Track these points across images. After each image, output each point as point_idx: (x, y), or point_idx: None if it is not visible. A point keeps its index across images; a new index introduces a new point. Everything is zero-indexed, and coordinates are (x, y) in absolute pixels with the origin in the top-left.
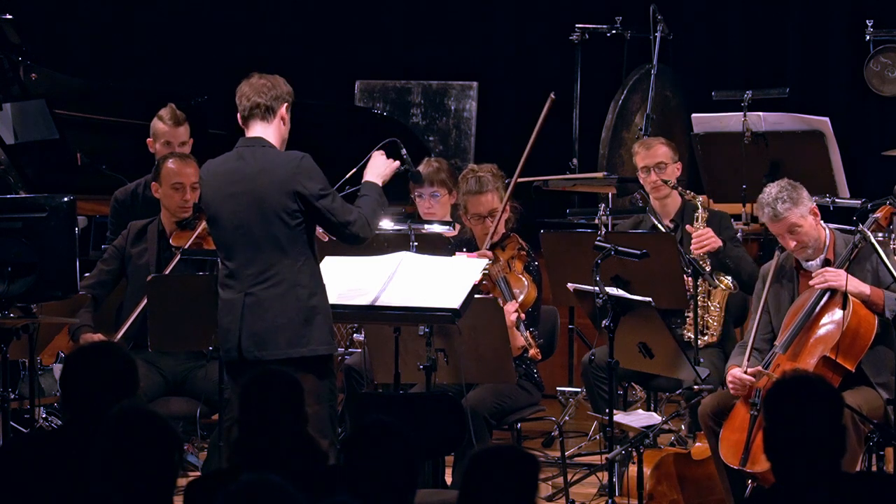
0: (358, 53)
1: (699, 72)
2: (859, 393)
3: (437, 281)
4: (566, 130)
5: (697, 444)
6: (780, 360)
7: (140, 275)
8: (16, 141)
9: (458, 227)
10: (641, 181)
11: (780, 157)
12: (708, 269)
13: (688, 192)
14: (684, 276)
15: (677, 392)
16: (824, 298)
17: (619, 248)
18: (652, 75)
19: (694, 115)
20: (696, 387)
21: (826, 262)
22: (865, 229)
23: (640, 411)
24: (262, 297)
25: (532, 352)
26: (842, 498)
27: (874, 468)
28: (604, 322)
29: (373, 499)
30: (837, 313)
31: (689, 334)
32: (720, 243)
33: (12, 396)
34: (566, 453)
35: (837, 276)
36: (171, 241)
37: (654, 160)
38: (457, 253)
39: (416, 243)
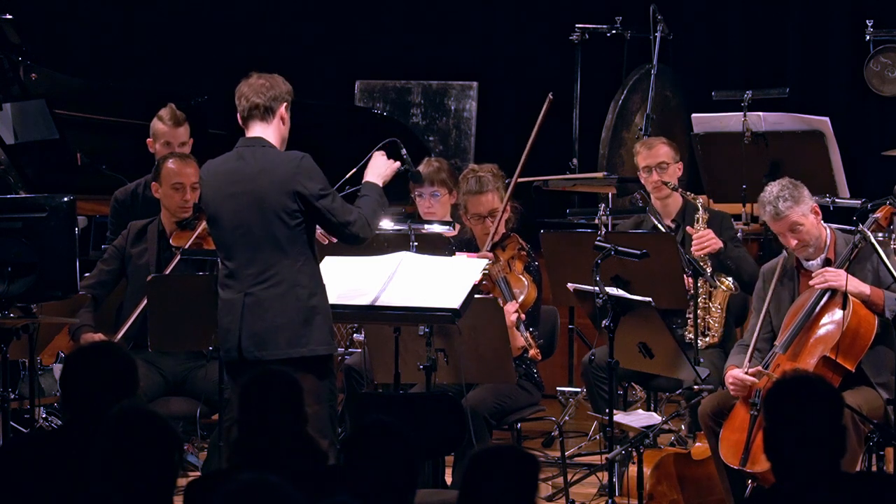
0: (358, 53)
1: (699, 72)
2: (859, 393)
3: (437, 281)
4: (566, 130)
5: (697, 444)
6: (780, 360)
7: (140, 275)
8: (16, 141)
9: (458, 227)
10: (643, 181)
11: (780, 157)
12: (709, 270)
13: (689, 193)
14: (684, 276)
15: (677, 392)
16: (824, 298)
17: (619, 248)
18: (652, 75)
19: (694, 115)
20: (696, 387)
21: (827, 262)
22: (865, 229)
23: (640, 411)
24: (262, 297)
25: (532, 352)
26: (842, 498)
27: (874, 468)
28: (604, 322)
29: (373, 499)
30: (837, 313)
31: (690, 335)
32: (721, 245)
33: (12, 396)
34: (566, 453)
35: (837, 276)
36: (171, 241)
37: (656, 160)
38: (457, 253)
39: (416, 243)
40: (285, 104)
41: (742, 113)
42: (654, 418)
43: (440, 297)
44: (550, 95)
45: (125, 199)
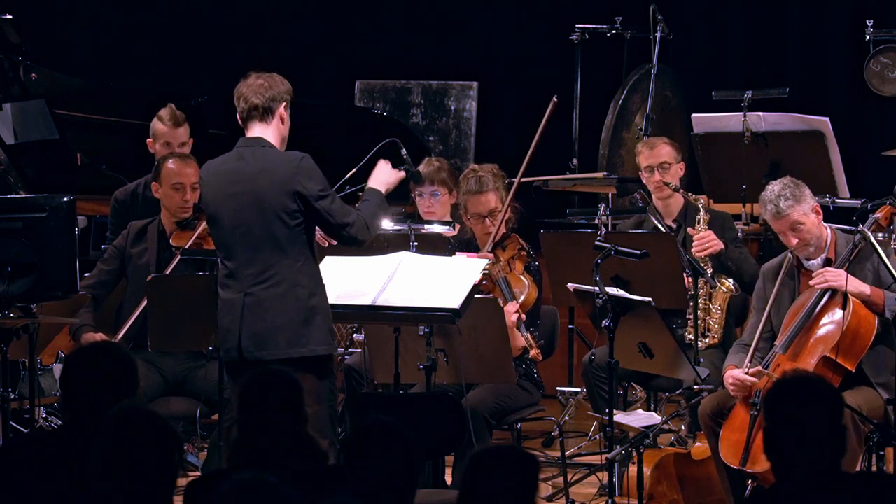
0: (358, 53)
1: (699, 72)
2: (859, 393)
3: (437, 281)
4: (566, 130)
5: (697, 444)
6: (780, 360)
7: (140, 275)
8: (16, 141)
9: (457, 227)
10: (644, 181)
11: (780, 157)
12: (709, 271)
13: (690, 194)
14: (684, 276)
15: (677, 392)
16: (824, 298)
17: (619, 248)
18: (652, 75)
19: (694, 115)
20: (696, 387)
21: (827, 262)
22: (866, 229)
23: (640, 411)
24: (262, 298)
25: (533, 353)
26: (842, 498)
27: (874, 468)
28: (604, 322)
29: (373, 499)
30: (838, 313)
31: (690, 336)
32: (721, 246)
33: (12, 396)
34: (566, 453)
35: (837, 276)
36: (171, 241)
37: (658, 160)
38: (457, 253)
39: (416, 243)
40: (284, 104)
41: (742, 113)
42: (654, 418)
43: (440, 297)
44: (555, 98)
45: (125, 199)
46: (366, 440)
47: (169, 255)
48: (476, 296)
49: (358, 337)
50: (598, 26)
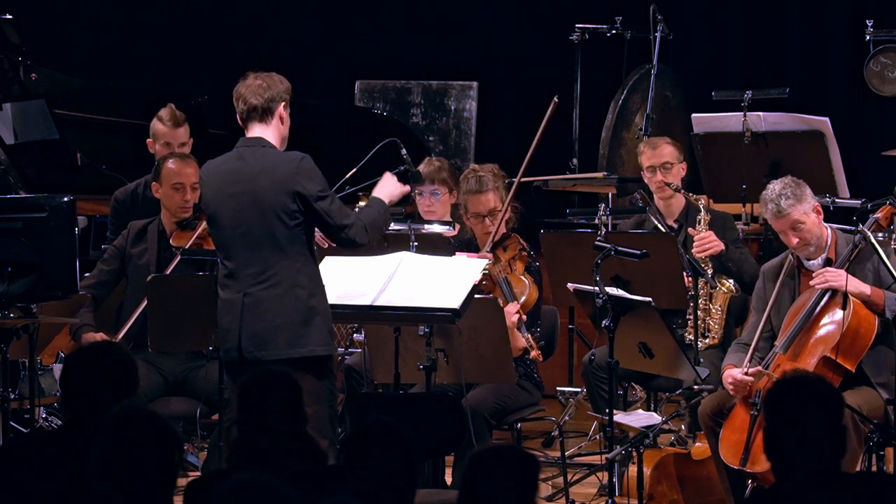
0: (358, 53)
1: (699, 72)
2: (859, 393)
3: (437, 281)
4: (566, 130)
5: (697, 444)
6: (780, 360)
7: (140, 275)
8: (16, 141)
9: (457, 227)
10: (646, 181)
11: (780, 157)
12: (710, 271)
13: (691, 194)
14: (685, 276)
15: (677, 392)
16: (825, 298)
17: (619, 248)
18: (652, 75)
19: (694, 115)
20: (696, 387)
21: (828, 262)
22: (866, 229)
23: (640, 411)
24: (261, 298)
25: (534, 353)
26: (842, 498)
27: (874, 468)
28: (604, 322)
29: (373, 499)
30: (838, 313)
31: (690, 336)
32: (722, 247)
33: (12, 396)
34: (566, 453)
35: (838, 277)
36: (171, 241)
37: (660, 160)
38: (457, 253)
39: (416, 243)
40: (283, 103)
41: (742, 113)
42: (654, 418)
43: (440, 297)
44: (556, 98)
45: (125, 199)
46: (366, 440)
47: (169, 255)
48: (476, 296)
49: (358, 337)
50: (598, 26)
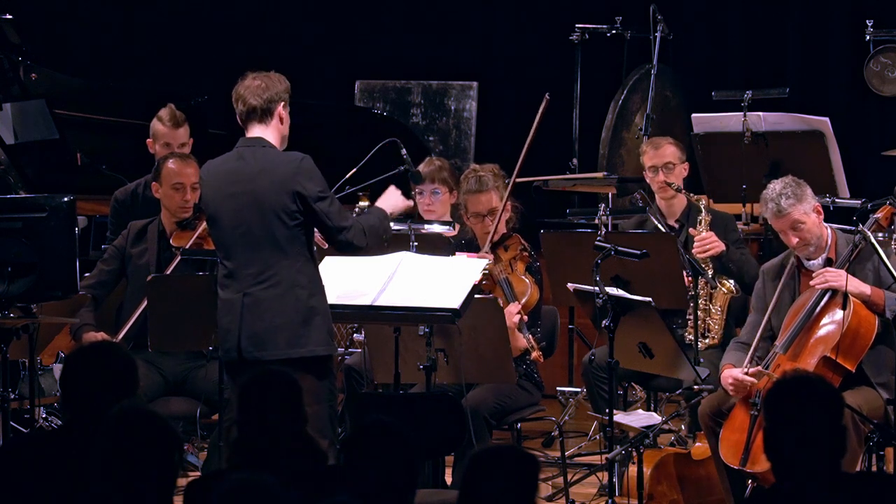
0: (358, 53)
1: (699, 72)
2: (859, 393)
3: (437, 281)
4: (566, 130)
5: (697, 444)
6: (780, 360)
7: (140, 275)
8: (16, 141)
9: (457, 227)
10: (648, 181)
11: (780, 157)
12: (710, 272)
13: (692, 195)
14: (685, 275)
15: (677, 392)
16: (825, 298)
17: (619, 248)
18: (652, 75)
19: (694, 115)
20: (696, 387)
21: (828, 262)
22: (866, 229)
23: (640, 411)
24: (261, 298)
25: (534, 354)
26: (842, 498)
27: (874, 468)
28: (604, 322)
29: (373, 499)
30: (838, 313)
31: (690, 336)
32: (723, 247)
33: (12, 396)
34: (566, 453)
35: (838, 277)
36: (171, 241)
37: (663, 160)
38: (457, 253)
39: (416, 243)
40: (283, 103)
41: (742, 113)
42: (654, 418)
43: (440, 297)
44: (547, 96)
45: (125, 199)
46: (366, 440)
47: (169, 255)
48: (476, 296)
49: (358, 337)
50: (598, 26)
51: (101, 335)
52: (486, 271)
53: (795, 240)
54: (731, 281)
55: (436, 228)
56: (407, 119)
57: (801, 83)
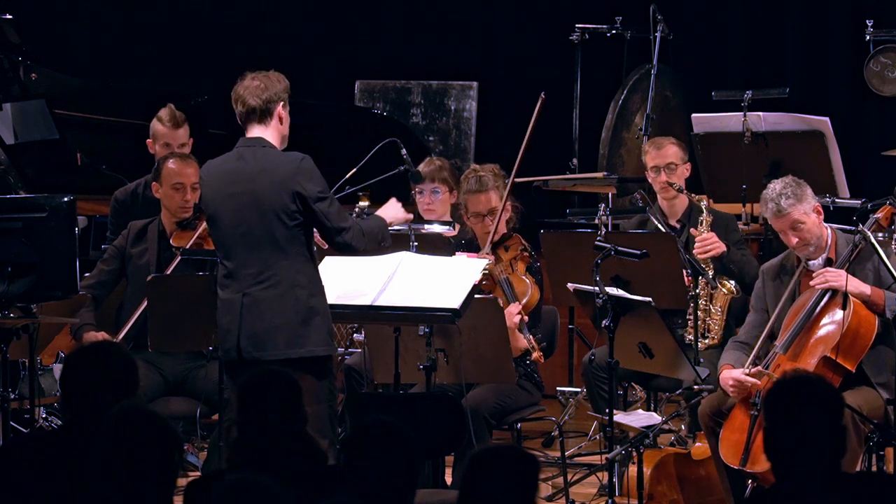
0: (358, 53)
1: (699, 72)
2: (859, 393)
3: (437, 281)
4: (566, 130)
5: (697, 444)
6: (780, 361)
7: (140, 275)
8: (16, 141)
9: (457, 227)
10: (650, 181)
11: (780, 157)
12: (711, 272)
13: (694, 195)
14: (685, 275)
15: (677, 392)
16: (825, 298)
17: (619, 248)
18: (652, 75)
19: (694, 115)
20: (696, 387)
21: (828, 262)
22: (866, 229)
23: (640, 411)
24: (260, 298)
25: (535, 355)
26: (842, 498)
27: (874, 468)
28: (604, 322)
29: (373, 499)
30: (838, 313)
31: (690, 336)
32: (724, 248)
33: (12, 396)
34: (566, 453)
35: (838, 277)
36: (171, 241)
37: (665, 160)
38: (457, 253)
39: (416, 243)
40: (282, 103)
41: (742, 113)
42: (654, 418)
43: (440, 297)
44: (543, 95)
45: (125, 199)
46: (366, 440)
47: (169, 256)
48: (476, 296)
49: (358, 337)
50: (598, 26)
51: (101, 335)
52: (487, 271)
53: (795, 240)
54: (732, 282)
55: (436, 228)
56: (407, 119)
57: (801, 83)
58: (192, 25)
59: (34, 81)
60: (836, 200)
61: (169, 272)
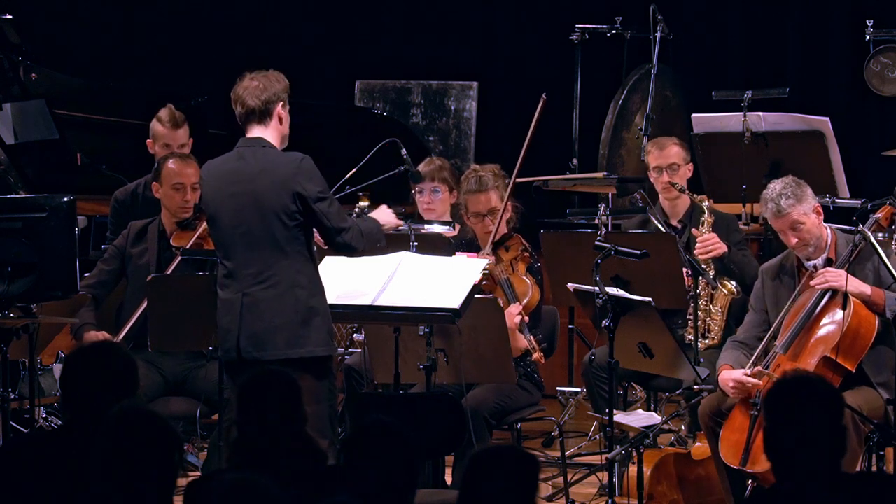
0: (358, 53)
1: (699, 72)
2: (859, 393)
3: (437, 281)
4: (566, 130)
5: (697, 444)
6: (780, 361)
7: (140, 275)
8: (16, 141)
9: (458, 227)
10: (653, 181)
11: (780, 157)
12: (711, 273)
13: (696, 196)
14: (685, 275)
15: (677, 392)
16: (825, 299)
17: (619, 248)
18: (652, 75)
19: (694, 115)
20: (696, 387)
21: (828, 262)
22: (866, 229)
23: (640, 411)
24: (260, 298)
25: (536, 356)
26: (842, 498)
27: (874, 468)
28: (604, 322)
29: (373, 499)
30: (838, 313)
31: (691, 336)
32: (725, 249)
33: (12, 396)
34: (566, 453)
35: (838, 277)
36: (171, 241)
37: (667, 161)
38: (457, 253)
39: (416, 243)
40: (282, 103)
41: (742, 113)
42: (654, 418)
43: (440, 297)
44: (544, 96)
45: (125, 199)
46: (366, 440)
47: (169, 256)
48: (476, 296)
49: (358, 337)
50: (598, 26)
51: (102, 334)
52: (487, 271)
53: (794, 240)
54: (733, 282)
55: (436, 228)
56: (407, 119)
57: (801, 83)
58: (192, 25)
59: (34, 81)
60: (836, 200)
61: (169, 272)
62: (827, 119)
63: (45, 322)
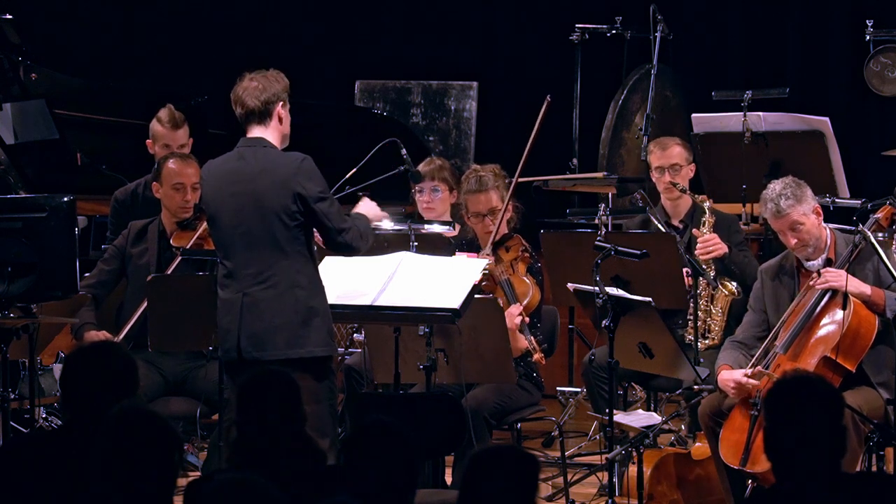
0: (358, 53)
1: (699, 72)
2: (860, 393)
3: (437, 281)
4: (566, 130)
5: (697, 444)
6: (780, 361)
7: (140, 275)
8: (16, 141)
9: (458, 227)
10: (654, 181)
11: (780, 157)
12: (712, 273)
13: (697, 196)
14: (685, 275)
15: (677, 392)
16: (825, 299)
17: (619, 248)
18: (652, 75)
19: (694, 115)
20: (696, 387)
21: (828, 262)
22: (866, 230)
23: (640, 411)
24: (260, 298)
25: (536, 356)
26: (842, 498)
27: (874, 468)
28: (604, 322)
29: (373, 499)
30: (838, 313)
31: (691, 336)
32: (725, 249)
33: (12, 396)
34: (566, 453)
35: (838, 277)
36: (171, 241)
37: (670, 161)
38: (457, 253)
39: (416, 243)
40: (282, 102)
41: (742, 113)
42: (654, 418)
43: (440, 297)
44: (549, 97)
45: (125, 199)
46: (366, 440)
47: (169, 256)
48: (476, 296)
49: (358, 337)
50: (598, 26)
51: (102, 334)
52: (487, 271)
53: (794, 241)
54: (734, 283)
55: (436, 228)
56: (407, 119)
57: (801, 83)
58: (192, 25)
59: (34, 81)
60: (836, 200)
61: (169, 272)
62: (827, 119)
63: (45, 322)
